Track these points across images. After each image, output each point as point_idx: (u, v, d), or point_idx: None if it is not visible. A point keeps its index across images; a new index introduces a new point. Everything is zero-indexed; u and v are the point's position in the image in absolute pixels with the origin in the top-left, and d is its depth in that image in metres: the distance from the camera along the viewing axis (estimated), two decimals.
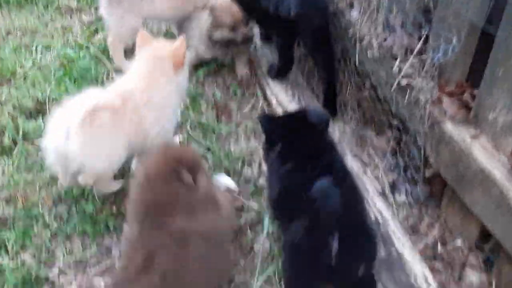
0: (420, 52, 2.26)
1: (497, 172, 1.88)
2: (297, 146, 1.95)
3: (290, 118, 2.15)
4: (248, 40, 2.96)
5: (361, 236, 1.78)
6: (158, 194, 1.79)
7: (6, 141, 2.53)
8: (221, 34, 2.86)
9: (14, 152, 2.49)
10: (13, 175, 2.38)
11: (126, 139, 2.16)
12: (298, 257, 1.79)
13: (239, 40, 2.89)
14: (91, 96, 2.13)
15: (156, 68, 2.24)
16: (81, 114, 2.02)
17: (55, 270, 2.08)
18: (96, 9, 3.53)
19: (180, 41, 2.24)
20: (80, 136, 2.03)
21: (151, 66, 2.24)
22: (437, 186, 2.31)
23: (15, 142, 2.54)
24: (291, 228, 1.82)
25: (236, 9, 2.80)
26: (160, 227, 1.74)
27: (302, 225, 1.73)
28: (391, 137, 2.50)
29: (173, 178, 1.79)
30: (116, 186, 2.33)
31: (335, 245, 1.66)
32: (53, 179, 2.36)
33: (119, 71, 2.83)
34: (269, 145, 2.04)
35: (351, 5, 2.71)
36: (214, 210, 1.89)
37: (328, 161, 1.90)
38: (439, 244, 2.18)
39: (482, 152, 1.95)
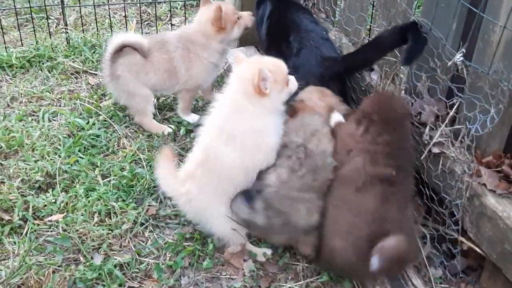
0: (452, 120, 2.17)
1: None
2: None
3: None
4: None
5: None
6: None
7: (16, 219, 2.38)
8: None
9: (24, 231, 2.33)
10: (24, 258, 2.21)
11: None
12: None
13: None
14: None
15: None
16: None
17: None
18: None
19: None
20: None
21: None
22: (475, 259, 2.18)
23: (25, 220, 2.39)
24: None
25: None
26: None
27: None
28: (422, 207, 2.38)
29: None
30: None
31: None
32: (66, 261, 2.22)
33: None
34: None
35: (371, 69, 2.64)
36: None
37: None
38: None
39: None
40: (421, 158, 2.24)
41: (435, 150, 2.16)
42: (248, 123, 2.18)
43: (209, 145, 2.20)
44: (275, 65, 2.23)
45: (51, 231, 2.36)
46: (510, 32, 1.82)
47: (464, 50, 2.04)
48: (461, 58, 2.04)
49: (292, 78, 2.29)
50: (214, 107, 2.27)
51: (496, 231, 1.93)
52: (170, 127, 2.99)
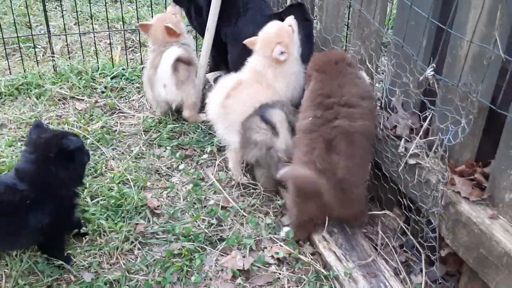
0: (426, 132, 2.20)
1: None
2: None
3: None
4: None
5: None
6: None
7: None
8: None
9: (14, 253, 2.30)
10: (16, 280, 2.18)
11: None
12: None
13: None
14: None
15: None
16: None
17: None
18: (90, 96, 3.44)
19: None
20: None
21: None
22: (453, 265, 2.20)
23: None
24: None
25: None
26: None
27: None
28: (401, 215, 2.40)
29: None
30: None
31: None
32: (57, 281, 2.20)
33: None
34: None
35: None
36: None
37: None
38: None
39: (504, 234, 1.85)
40: (398, 170, 2.26)
41: (411, 161, 2.18)
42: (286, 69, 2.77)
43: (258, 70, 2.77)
44: (278, 33, 2.76)
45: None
46: (476, 47, 1.86)
47: (434, 65, 2.08)
48: (432, 73, 2.07)
49: (293, 23, 2.79)
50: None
51: (471, 236, 1.94)
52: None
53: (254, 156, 2.57)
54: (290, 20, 2.76)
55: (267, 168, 2.58)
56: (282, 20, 2.87)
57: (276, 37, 2.72)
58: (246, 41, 2.82)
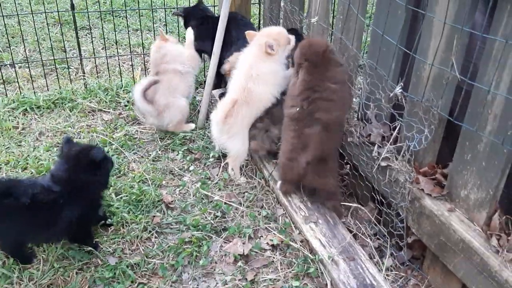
0: (395, 139, 2.21)
1: (475, 241, 1.79)
2: None
3: None
4: None
5: None
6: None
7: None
8: None
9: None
10: (52, 263, 2.18)
11: None
12: None
13: None
14: None
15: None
16: None
17: None
18: (114, 109, 3.45)
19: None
20: None
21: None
22: (418, 250, 2.21)
23: None
24: None
25: None
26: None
27: None
28: (374, 209, 2.41)
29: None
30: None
31: None
32: (87, 264, 2.20)
33: None
34: None
35: None
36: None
37: None
38: None
39: (460, 224, 1.87)
40: (373, 170, 2.27)
41: (383, 163, 2.19)
42: (268, 67, 2.64)
43: (243, 86, 2.62)
44: (279, 33, 2.71)
45: None
46: (436, 69, 1.88)
47: (402, 84, 2.09)
48: (400, 90, 2.09)
49: (292, 38, 2.73)
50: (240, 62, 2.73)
51: (433, 226, 1.96)
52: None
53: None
54: (292, 36, 2.75)
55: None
56: None
57: (275, 34, 2.70)
58: (247, 32, 2.80)
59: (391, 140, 2.19)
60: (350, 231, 2.38)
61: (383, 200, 2.27)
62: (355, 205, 2.47)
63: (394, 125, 2.21)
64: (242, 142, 2.70)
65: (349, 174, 2.55)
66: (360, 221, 2.44)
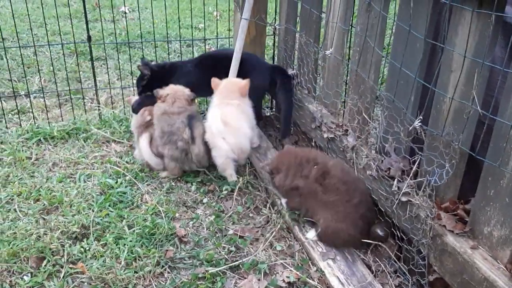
0: (415, 174, 2.19)
1: (500, 280, 1.75)
2: None
3: None
4: None
5: None
6: None
7: (54, 265, 2.35)
8: None
9: (62, 274, 2.30)
10: None
11: None
12: None
13: None
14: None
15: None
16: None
17: None
18: (128, 139, 3.49)
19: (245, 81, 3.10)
20: None
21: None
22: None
23: (61, 266, 2.35)
24: None
25: None
26: None
27: None
28: (394, 245, 2.37)
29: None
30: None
31: None
32: None
33: None
34: None
35: (346, 132, 2.68)
36: None
37: None
38: None
39: (483, 262, 1.83)
40: (392, 206, 2.25)
41: (403, 198, 2.18)
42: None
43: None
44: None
45: (85, 275, 2.31)
46: (457, 103, 1.89)
47: (421, 117, 2.09)
48: (419, 124, 2.09)
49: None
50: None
51: (456, 264, 1.92)
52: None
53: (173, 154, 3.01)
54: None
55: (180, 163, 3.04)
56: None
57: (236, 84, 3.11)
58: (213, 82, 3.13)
59: (411, 175, 2.18)
60: (369, 268, 2.34)
61: (403, 236, 2.25)
62: (375, 242, 2.44)
63: (414, 159, 2.20)
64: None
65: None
66: (379, 258, 2.41)
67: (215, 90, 3.11)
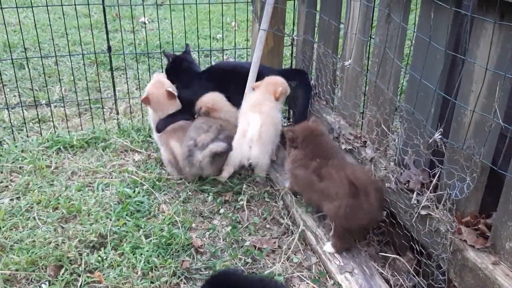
0: (435, 187, 2.17)
1: None
2: None
3: None
4: None
5: None
6: None
7: (72, 274, 2.37)
8: None
9: (79, 283, 2.32)
10: None
11: None
12: None
13: None
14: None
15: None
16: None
17: None
18: (146, 149, 3.52)
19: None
20: None
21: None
22: None
23: (79, 274, 2.37)
24: None
25: None
26: None
27: None
28: (413, 259, 2.34)
29: None
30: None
31: None
32: None
33: None
34: None
35: (365, 143, 2.67)
36: None
37: None
38: None
39: (505, 278, 1.79)
40: (412, 219, 2.23)
41: (423, 212, 2.15)
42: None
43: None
44: (284, 84, 3.22)
45: (102, 284, 2.33)
46: (478, 115, 1.87)
47: (441, 130, 2.07)
48: (440, 136, 2.07)
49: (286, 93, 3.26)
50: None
51: (476, 280, 1.89)
52: None
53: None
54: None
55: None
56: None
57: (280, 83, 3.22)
58: (254, 84, 3.26)
59: (430, 188, 2.16)
60: (387, 282, 2.31)
61: (422, 250, 2.22)
62: (393, 256, 2.41)
63: (433, 172, 2.18)
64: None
65: (386, 221, 2.50)
66: (398, 272, 2.38)
67: (256, 88, 3.24)
